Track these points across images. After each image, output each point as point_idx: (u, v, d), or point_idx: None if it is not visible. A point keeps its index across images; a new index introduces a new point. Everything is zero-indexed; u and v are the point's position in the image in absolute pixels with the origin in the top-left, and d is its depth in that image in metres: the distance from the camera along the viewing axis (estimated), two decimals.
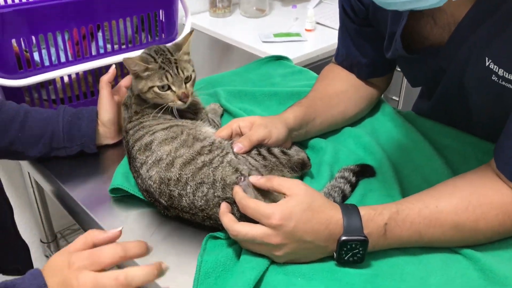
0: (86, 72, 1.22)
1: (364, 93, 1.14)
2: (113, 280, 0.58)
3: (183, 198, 0.86)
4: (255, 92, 1.26)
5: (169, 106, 0.95)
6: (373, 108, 1.19)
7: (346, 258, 0.76)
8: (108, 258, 0.60)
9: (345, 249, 0.74)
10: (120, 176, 0.95)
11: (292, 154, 0.96)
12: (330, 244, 0.76)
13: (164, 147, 0.89)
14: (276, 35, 1.79)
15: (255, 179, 0.83)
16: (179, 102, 0.95)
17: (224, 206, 0.83)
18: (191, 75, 0.97)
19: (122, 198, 0.94)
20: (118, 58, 1.22)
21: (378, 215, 0.76)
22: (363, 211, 0.76)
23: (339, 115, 1.10)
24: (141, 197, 0.94)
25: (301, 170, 0.96)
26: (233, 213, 0.80)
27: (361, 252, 0.75)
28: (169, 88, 0.94)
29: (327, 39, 1.80)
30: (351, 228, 0.74)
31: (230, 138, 0.93)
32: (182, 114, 1.02)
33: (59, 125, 0.99)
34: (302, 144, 1.06)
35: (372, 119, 1.17)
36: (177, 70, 0.94)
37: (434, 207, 0.77)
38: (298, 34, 1.80)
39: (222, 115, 1.20)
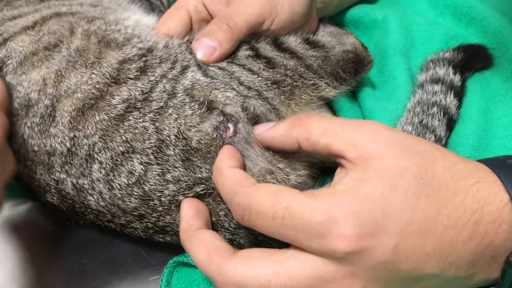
0: None
1: None
2: None
3: (90, 196, 0.39)
4: None
5: None
6: None
7: None
8: None
9: None
10: None
11: (330, 44, 0.48)
12: (479, 269, 0.33)
13: (31, 75, 0.40)
14: None
15: (263, 129, 0.38)
16: None
17: (188, 212, 0.37)
18: None
19: None
20: None
21: None
22: None
23: None
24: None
25: (355, 76, 0.47)
26: (218, 225, 0.39)
27: None
28: None
29: None
30: None
31: (189, 32, 0.48)
32: None
33: None
34: (335, 20, 0.62)
35: None
36: None
37: None
38: None
39: None
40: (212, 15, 0.48)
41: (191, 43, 0.43)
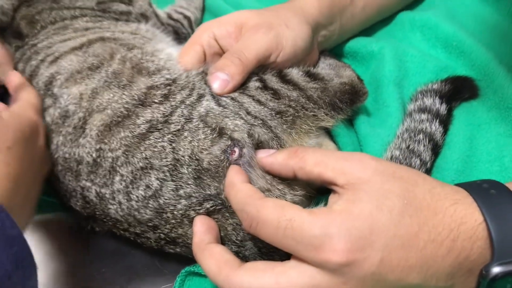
0: None
1: None
2: None
3: (110, 205, 0.43)
4: None
5: None
6: None
7: None
8: None
9: None
10: None
11: (328, 77, 0.52)
12: (457, 281, 0.37)
13: (72, 89, 0.46)
14: None
15: (264, 154, 0.42)
16: None
17: (200, 228, 0.41)
18: None
19: None
20: None
21: None
22: None
23: None
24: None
25: (351, 106, 0.51)
26: (226, 239, 0.43)
27: None
28: None
29: None
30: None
31: (203, 63, 0.52)
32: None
33: None
34: (335, 52, 0.66)
35: None
36: None
37: None
38: None
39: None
40: (223, 49, 0.53)
41: (206, 74, 0.48)
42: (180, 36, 0.66)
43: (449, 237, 0.35)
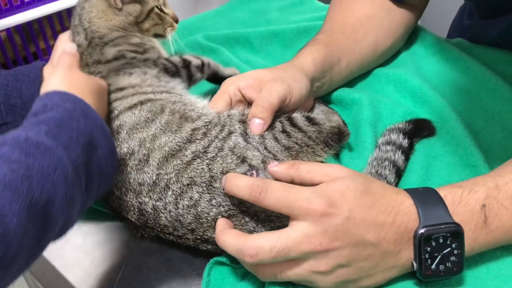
0: (10, 31, 0.88)
1: (397, 17, 0.87)
2: None
3: (162, 214, 0.57)
4: (249, 35, 0.97)
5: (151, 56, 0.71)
6: (409, 38, 0.92)
7: (434, 267, 0.51)
8: None
9: (429, 249, 0.50)
10: None
11: (322, 121, 0.66)
12: (403, 247, 0.51)
13: (136, 136, 0.60)
14: None
15: (272, 165, 0.56)
16: (176, 25, 0.79)
17: (222, 222, 0.55)
18: None
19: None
20: (61, 5, 0.91)
21: (468, 193, 0.53)
22: (442, 191, 0.53)
23: (370, 49, 0.83)
24: (102, 208, 0.65)
25: (338, 143, 0.67)
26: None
27: (456, 251, 0.51)
28: (161, 10, 0.77)
29: None
30: (432, 216, 0.51)
31: (230, 107, 0.66)
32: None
33: None
34: (325, 99, 0.81)
35: (411, 53, 0.90)
36: None
37: None
38: None
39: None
40: (245, 97, 0.66)
41: (230, 114, 0.62)
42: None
43: (392, 212, 0.50)
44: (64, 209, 0.46)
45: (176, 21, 0.80)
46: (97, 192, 0.53)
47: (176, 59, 0.74)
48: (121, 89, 0.66)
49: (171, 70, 0.72)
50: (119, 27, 0.74)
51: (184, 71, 0.73)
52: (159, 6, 0.76)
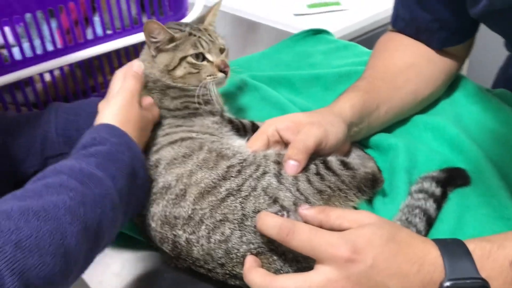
0: (72, 66, 0.96)
1: (438, 65, 0.88)
2: None
3: (194, 247, 0.60)
4: (291, 77, 1.01)
5: (192, 102, 0.74)
6: (450, 86, 0.94)
7: None
8: None
9: None
10: None
11: (357, 166, 0.67)
12: None
13: (173, 171, 0.64)
14: (310, 6, 1.52)
15: (303, 208, 0.58)
16: (220, 74, 0.76)
17: (251, 260, 0.57)
18: (225, 47, 0.79)
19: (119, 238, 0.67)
20: (118, 43, 0.99)
21: (498, 248, 0.52)
22: (471, 244, 0.53)
23: (409, 97, 0.84)
24: (141, 238, 0.69)
25: (372, 190, 0.67)
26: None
27: None
28: (204, 58, 0.76)
29: (374, 4, 1.51)
30: (458, 269, 0.51)
31: (267, 147, 0.69)
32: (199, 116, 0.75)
33: (50, 126, 0.76)
34: (363, 143, 0.82)
35: (451, 102, 0.91)
36: (211, 36, 0.77)
37: None
38: (337, 3, 1.54)
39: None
40: (282, 138, 0.68)
41: (266, 155, 0.65)
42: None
43: (418, 261, 0.51)
44: (111, 230, 0.54)
45: (222, 70, 0.76)
46: (131, 215, 0.62)
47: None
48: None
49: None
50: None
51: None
52: (201, 54, 0.75)
